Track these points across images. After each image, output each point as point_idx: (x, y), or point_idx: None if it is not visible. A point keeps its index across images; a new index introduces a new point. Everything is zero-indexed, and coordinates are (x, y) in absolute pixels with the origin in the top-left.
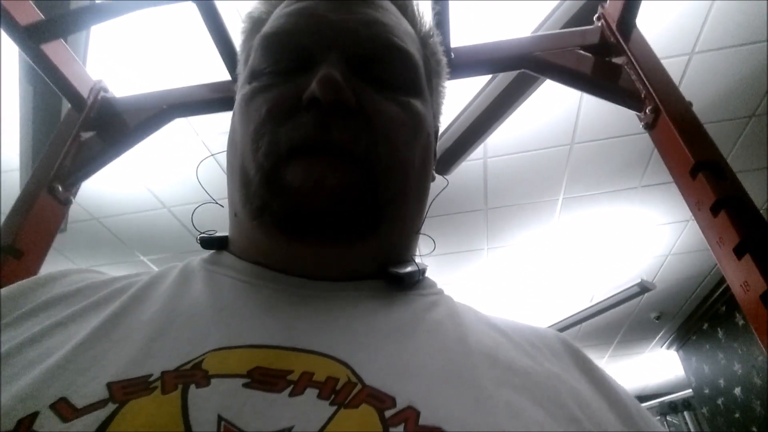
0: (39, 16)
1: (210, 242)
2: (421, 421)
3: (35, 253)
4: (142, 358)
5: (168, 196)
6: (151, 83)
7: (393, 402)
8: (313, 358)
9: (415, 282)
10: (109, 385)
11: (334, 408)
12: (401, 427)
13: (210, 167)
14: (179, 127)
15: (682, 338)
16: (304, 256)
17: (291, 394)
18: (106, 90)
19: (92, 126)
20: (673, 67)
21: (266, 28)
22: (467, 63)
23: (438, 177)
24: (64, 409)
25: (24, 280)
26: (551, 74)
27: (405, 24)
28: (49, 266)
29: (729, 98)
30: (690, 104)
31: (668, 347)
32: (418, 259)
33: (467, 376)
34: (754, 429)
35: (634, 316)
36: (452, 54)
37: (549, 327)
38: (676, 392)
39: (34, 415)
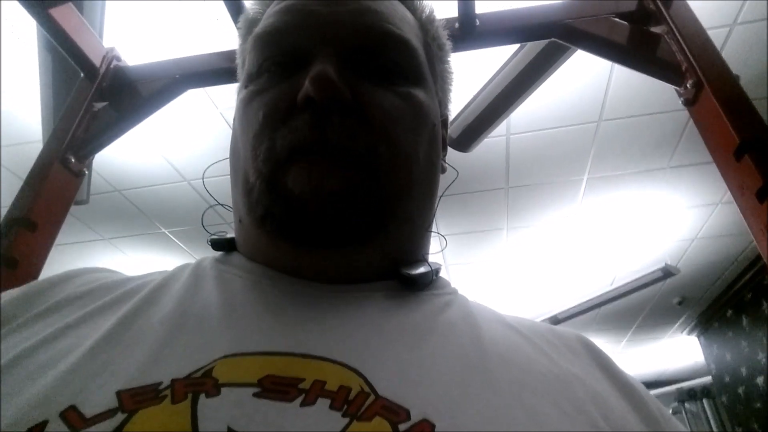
0: None
1: (220, 243)
2: None
3: (49, 226)
4: (152, 364)
5: (187, 169)
6: (163, 52)
7: (407, 414)
8: (324, 365)
9: (428, 283)
10: (119, 393)
11: (347, 420)
12: None
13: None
14: (198, 99)
15: (704, 324)
16: (311, 261)
17: (302, 404)
18: (118, 58)
19: (105, 96)
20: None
21: (257, 28)
22: (493, 31)
23: (448, 168)
24: (73, 417)
25: (38, 280)
26: (584, 44)
27: (401, 10)
28: (73, 237)
29: None
30: (737, 78)
31: (689, 333)
32: (430, 258)
33: (483, 382)
34: None
35: (656, 300)
36: (477, 21)
37: (568, 309)
38: (695, 378)
39: (43, 424)
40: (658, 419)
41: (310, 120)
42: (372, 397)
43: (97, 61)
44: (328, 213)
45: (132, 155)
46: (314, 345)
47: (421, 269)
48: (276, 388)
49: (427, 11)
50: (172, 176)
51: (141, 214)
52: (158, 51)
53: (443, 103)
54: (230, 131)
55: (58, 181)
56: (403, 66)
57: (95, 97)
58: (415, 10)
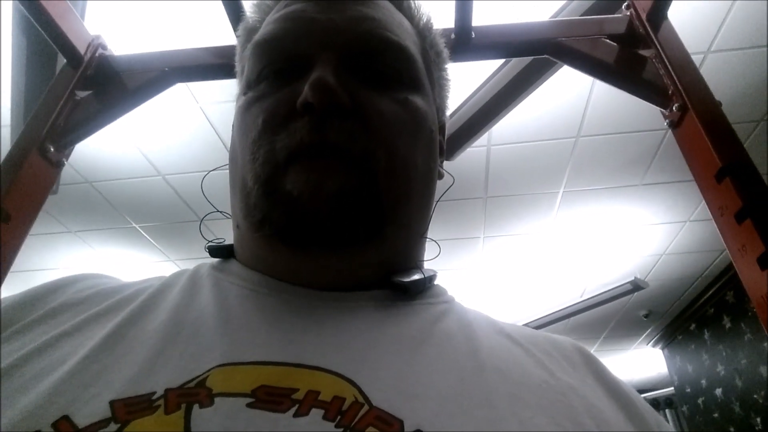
0: None
1: (218, 250)
2: None
3: (23, 217)
4: (146, 373)
5: (163, 164)
6: (152, 44)
7: (401, 426)
8: (318, 375)
9: (421, 290)
10: (112, 404)
11: (340, 430)
12: None
13: (218, 149)
14: (178, 93)
15: (669, 337)
16: (308, 265)
17: (296, 415)
18: (104, 47)
19: (89, 85)
20: None
21: (257, 36)
22: (487, 44)
23: (444, 174)
24: (66, 428)
25: (35, 286)
26: (574, 62)
27: (399, 18)
28: (39, 228)
29: (740, 100)
30: (719, 104)
31: (654, 345)
32: (426, 265)
33: (479, 395)
34: (732, 429)
35: (624, 312)
36: (473, 33)
37: (538, 318)
38: (659, 389)
39: None
40: (654, 431)
41: (310, 123)
42: (366, 408)
43: (81, 49)
44: (326, 214)
45: (105, 146)
46: (309, 355)
47: (414, 277)
48: (269, 398)
49: (425, 19)
50: (146, 170)
51: (111, 207)
52: (144, 42)
53: (440, 110)
54: (210, 127)
55: (35, 171)
56: (401, 72)
57: (78, 86)
58: (412, 18)
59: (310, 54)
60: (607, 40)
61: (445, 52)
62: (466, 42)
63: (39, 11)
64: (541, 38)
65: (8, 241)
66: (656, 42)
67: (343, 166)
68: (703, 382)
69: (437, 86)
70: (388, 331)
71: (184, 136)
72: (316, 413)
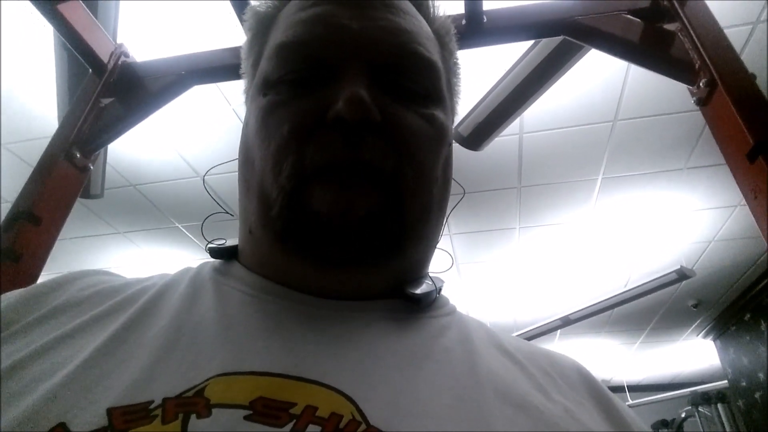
0: None
1: (220, 252)
2: None
3: (53, 220)
4: (145, 381)
5: (200, 164)
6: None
7: None
8: (317, 390)
9: (431, 302)
10: (110, 411)
11: None
12: None
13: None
14: (211, 95)
15: (721, 328)
16: (322, 278)
17: (293, 430)
18: (127, 55)
19: (112, 92)
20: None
21: (281, 36)
22: (501, 28)
23: (455, 185)
24: None
25: (38, 283)
26: (594, 41)
27: (425, 27)
28: (89, 230)
29: None
30: (753, 77)
31: (704, 336)
32: (433, 274)
33: (476, 416)
34: None
35: (671, 302)
36: (484, 18)
37: (580, 310)
38: (710, 382)
39: None
40: None
41: (343, 138)
42: (363, 426)
43: (105, 58)
44: (351, 237)
45: (146, 150)
46: (308, 368)
47: (425, 287)
48: (267, 411)
49: (443, 22)
50: (185, 171)
51: (155, 208)
52: (167, 47)
53: (452, 118)
54: (237, 127)
55: (63, 176)
56: (427, 87)
57: (102, 93)
58: (432, 23)
59: (340, 63)
60: (629, 16)
61: (458, 59)
62: (478, 27)
63: (63, 24)
64: (558, 18)
65: (39, 243)
66: (682, 15)
67: (372, 187)
68: (761, 375)
69: (452, 93)
70: (390, 344)
71: (219, 136)
72: (314, 429)
